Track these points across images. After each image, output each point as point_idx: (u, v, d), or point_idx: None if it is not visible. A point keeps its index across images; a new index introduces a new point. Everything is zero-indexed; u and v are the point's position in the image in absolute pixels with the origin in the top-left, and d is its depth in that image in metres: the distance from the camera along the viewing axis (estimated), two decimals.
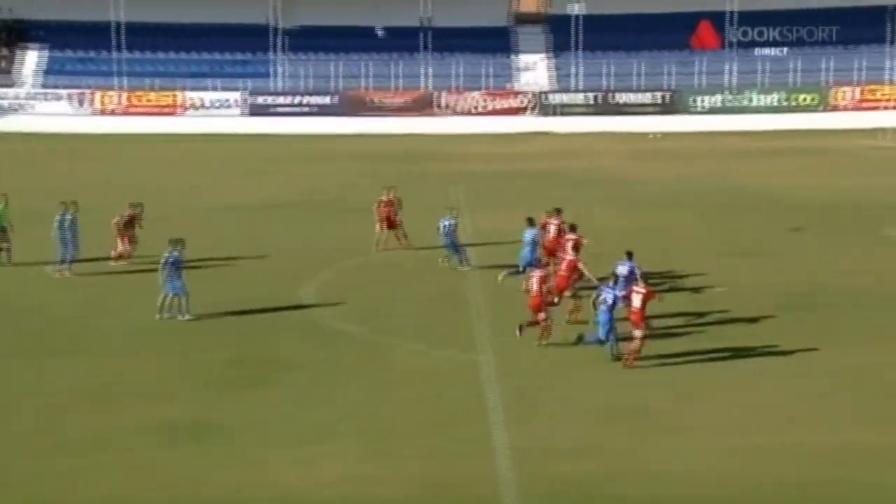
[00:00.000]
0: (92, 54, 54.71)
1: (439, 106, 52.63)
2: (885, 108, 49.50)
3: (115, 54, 54.15)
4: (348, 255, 27.49)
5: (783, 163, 41.49)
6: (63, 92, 53.27)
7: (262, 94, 52.99)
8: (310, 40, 53.91)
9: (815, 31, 52.35)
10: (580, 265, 22.03)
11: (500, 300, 23.59)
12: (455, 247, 25.81)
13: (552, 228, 24.46)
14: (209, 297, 22.52)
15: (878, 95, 50.73)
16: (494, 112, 52.59)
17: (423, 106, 52.70)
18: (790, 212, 32.17)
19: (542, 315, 20.44)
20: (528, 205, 34.48)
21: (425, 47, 53.72)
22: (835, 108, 51.19)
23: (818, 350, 19.95)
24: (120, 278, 25.29)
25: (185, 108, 52.76)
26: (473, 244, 27.60)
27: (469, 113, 52.38)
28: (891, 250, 27.05)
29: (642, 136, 48.71)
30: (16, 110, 53.40)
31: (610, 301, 19.58)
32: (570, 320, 21.45)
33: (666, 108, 52.27)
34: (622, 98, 52.93)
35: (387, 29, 53.95)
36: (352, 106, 52.53)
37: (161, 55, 54.50)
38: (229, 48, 54.09)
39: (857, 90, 51.08)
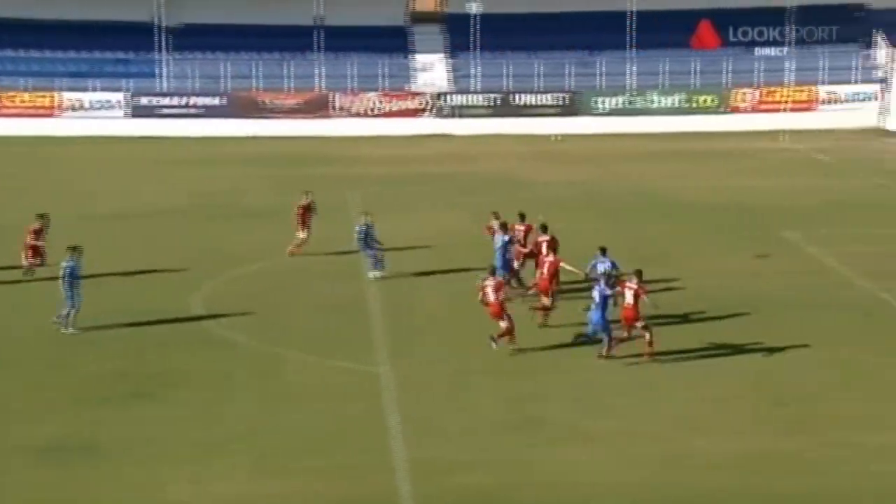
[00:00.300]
0: None
1: (334, 107, 52.50)
2: (784, 110, 51.03)
3: None
4: (242, 262, 27.28)
5: (684, 165, 42.48)
6: None
7: (147, 94, 52.17)
8: (196, 39, 53.26)
9: (718, 34, 53.73)
10: (563, 264, 22.34)
11: (400, 309, 23.68)
12: (369, 251, 25.75)
13: (520, 234, 24.78)
14: (95, 309, 22.12)
15: (777, 97, 52.28)
16: (391, 114, 52.68)
17: (316, 107, 52.51)
18: (690, 214, 32.97)
19: (503, 322, 20.65)
20: (428, 209, 34.65)
21: (318, 47, 53.54)
22: (735, 110, 52.60)
23: (721, 355, 20.50)
24: (9, 289, 24.72)
25: (64, 110, 51.65)
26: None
27: (365, 115, 52.38)
28: (790, 253, 27.93)
29: (543, 138, 49.35)
30: None
31: (598, 299, 20.11)
32: (541, 323, 21.82)
33: (567, 110, 53.01)
34: (522, 99, 53.49)
35: (278, 27, 53.61)
36: (242, 107, 52.09)
37: (35, 53, 53.25)
38: (110, 46, 53.12)
39: (757, 92, 52.58)
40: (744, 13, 53.50)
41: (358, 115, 52.48)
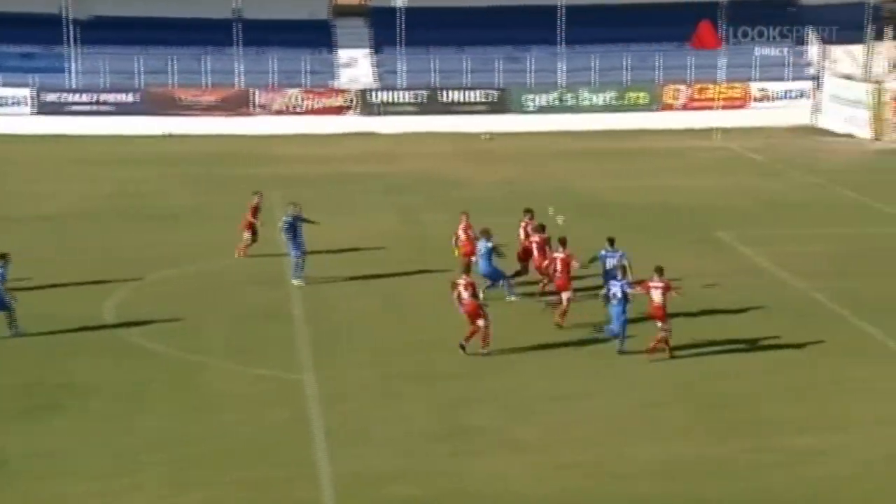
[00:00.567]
0: None
1: (254, 104, 52.11)
2: (717, 107, 51.75)
3: None
4: (159, 267, 26.99)
5: (615, 164, 42.94)
6: None
7: (55, 90, 51.30)
8: (107, 32, 52.44)
9: (647, 28, 54.28)
10: (574, 262, 22.65)
11: (325, 315, 23.61)
12: (293, 251, 25.57)
13: (522, 233, 25.07)
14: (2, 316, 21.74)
15: (710, 94, 53.05)
16: (314, 111, 52.41)
17: (236, 104, 52.05)
18: (622, 214, 33.34)
19: (480, 322, 20.65)
20: (353, 210, 34.56)
21: (237, 41, 53.09)
22: (667, 108, 53.27)
23: (644, 360, 20.75)
24: None
25: None
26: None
27: (287, 112, 52.04)
28: (724, 253, 28.37)
29: (472, 136, 49.54)
30: None
31: (620, 294, 20.52)
32: (556, 323, 22.15)
33: (496, 107, 53.20)
34: (450, 96, 53.59)
35: (194, 20, 53.04)
36: (157, 104, 51.43)
37: None
38: (15, 39, 52.08)
39: (689, 89, 53.30)
40: (675, 9, 54.19)
41: (279, 112, 52.14)
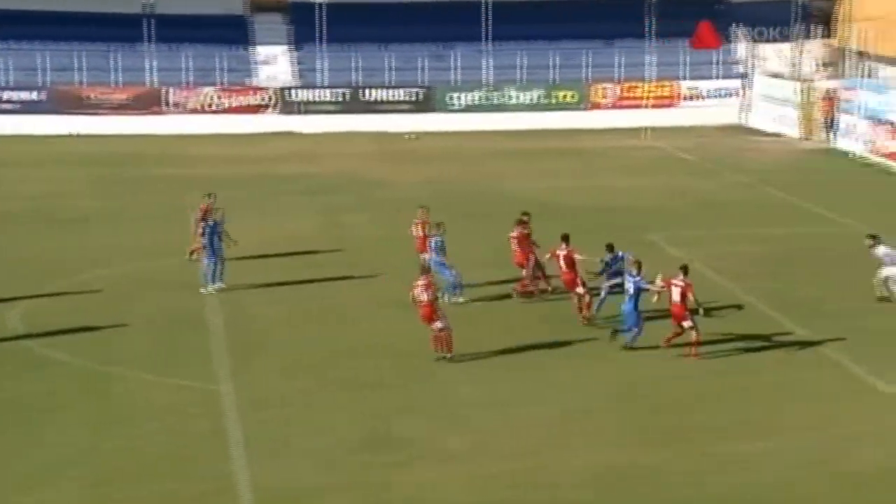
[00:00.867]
0: None
1: (167, 103, 51.55)
2: (645, 106, 52.36)
3: None
4: (67, 273, 26.54)
5: (543, 164, 43.20)
6: None
7: None
8: (10, 27, 51.49)
9: (574, 26, 54.72)
10: (577, 255, 23.01)
11: (244, 321, 23.43)
12: (211, 257, 25.29)
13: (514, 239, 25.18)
14: None
15: (639, 93, 53.65)
16: (231, 110, 51.98)
17: (148, 103, 51.44)
18: (550, 216, 33.54)
19: (437, 324, 20.53)
20: (273, 213, 34.35)
21: (149, 37, 52.47)
22: (596, 107, 53.75)
23: (583, 365, 20.94)
24: None
25: None
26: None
27: (202, 111, 51.55)
28: (655, 256, 28.58)
29: (396, 135, 49.52)
30: None
31: (632, 290, 20.81)
32: (583, 317, 22.55)
33: (420, 106, 53.24)
34: (373, 95, 53.51)
35: (103, 15, 52.30)
36: (63, 103, 50.62)
37: None
38: None
39: (618, 87, 53.84)
40: (602, 6, 54.71)
41: (194, 111, 51.64)
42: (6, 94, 50.88)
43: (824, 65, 51.74)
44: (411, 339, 22.02)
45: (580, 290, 22.93)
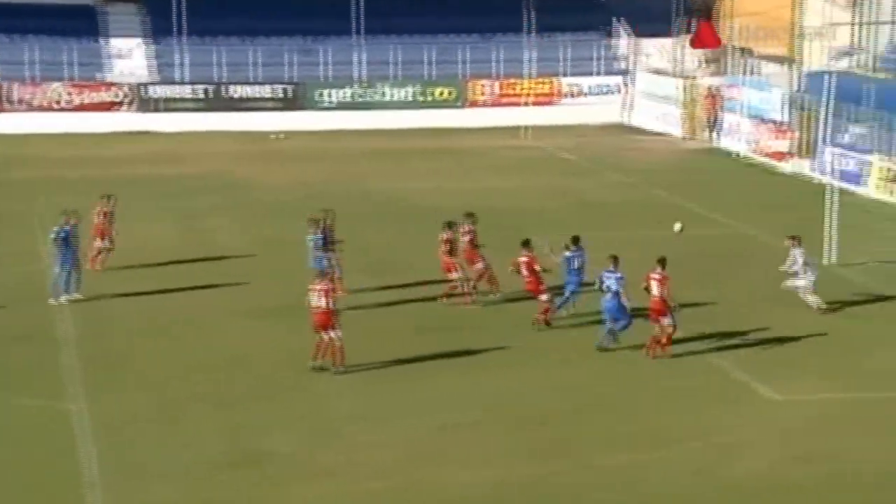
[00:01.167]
0: None
1: (10, 100, 50.32)
2: (525, 104, 52.89)
3: None
4: None
5: (419, 164, 43.32)
6: None
7: None
8: None
9: (451, 19, 54.97)
10: (536, 266, 23.20)
11: (97, 336, 22.96)
12: (65, 265, 24.68)
13: (465, 238, 25.35)
14: None
15: (518, 90, 54.17)
16: (82, 107, 50.97)
17: None
18: (427, 219, 33.64)
19: (331, 333, 20.16)
20: (130, 218, 33.68)
21: None
22: (473, 104, 54.13)
23: (462, 375, 21.00)
24: None
25: None
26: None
27: (50, 108, 50.46)
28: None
29: (263, 135, 49.12)
30: None
31: (615, 288, 21.14)
32: (538, 320, 22.89)
33: (288, 104, 52.95)
34: (237, 91, 53.03)
35: None
36: None
37: None
38: None
39: (496, 84, 54.31)
40: None
41: (41, 108, 50.50)
42: None
43: (707, 61, 52.92)
44: (281, 349, 21.85)
45: (544, 297, 23.26)
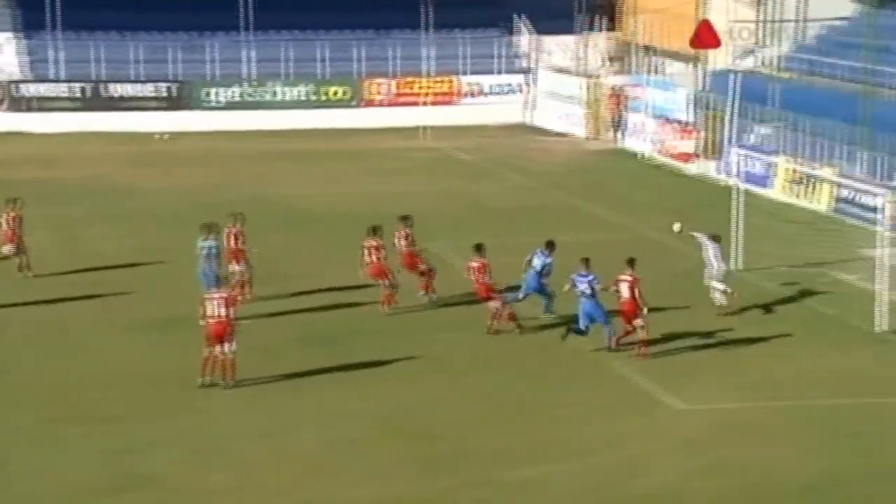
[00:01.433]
0: None
1: None
2: (424, 103, 53.05)
3: None
4: None
5: (312, 167, 43.23)
6: None
7: None
8: None
9: (345, 15, 54.89)
10: (485, 278, 23.51)
11: None
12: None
13: (402, 242, 25.56)
14: None
15: (416, 89, 54.31)
16: None
17: None
18: (320, 224, 33.61)
19: (225, 347, 19.84)
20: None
21: None
22: (369, 104, 54.14)
23: (352, 388, 20.99)
24: None
25: None
26: None
27: None
28: (441, 268, 28.90)
29: (146, 136, 48.62)
30: None
31: (589, 291, 21.67)
32: (492, 328, 23.24)
33: (173, 103, 52.51)
34: (117, 90, 52.42)
35: None
36: None
37: None
38: None
39: (393, 83, 54.38)
40: None
41: None
42: None
43: (611, 59, 53.62)
44: (165, 364, 21.65)
45: (496, 304, 23.56)
